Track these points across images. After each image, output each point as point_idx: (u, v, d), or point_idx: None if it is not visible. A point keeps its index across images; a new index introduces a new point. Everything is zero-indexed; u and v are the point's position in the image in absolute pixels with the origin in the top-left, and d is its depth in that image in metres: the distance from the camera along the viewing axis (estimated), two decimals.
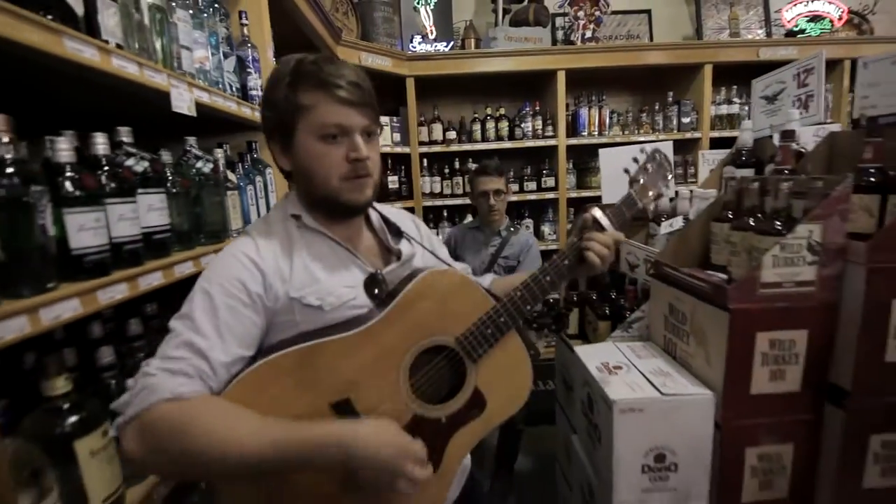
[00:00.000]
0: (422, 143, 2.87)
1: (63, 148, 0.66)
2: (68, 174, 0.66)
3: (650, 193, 0.92)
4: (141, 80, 0.79)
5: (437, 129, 2.89)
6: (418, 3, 3.00)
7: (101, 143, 0.74)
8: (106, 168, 0.73)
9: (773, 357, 0.93)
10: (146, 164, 0.83)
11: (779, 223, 0.92)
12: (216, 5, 1.15)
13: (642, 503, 0.99)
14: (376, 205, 0.86)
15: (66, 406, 0.66)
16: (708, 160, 1.52)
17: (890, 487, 0.97)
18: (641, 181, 0.91)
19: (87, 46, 0.68)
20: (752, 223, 0.99)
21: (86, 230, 0.67)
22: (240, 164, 1.27)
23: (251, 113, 1.26)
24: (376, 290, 0.76)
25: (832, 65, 3.04)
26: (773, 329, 0.92)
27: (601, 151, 1.57)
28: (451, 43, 3.02)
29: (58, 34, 0.63)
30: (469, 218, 2.89)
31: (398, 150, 2.80)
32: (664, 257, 1.20)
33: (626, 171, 0.94)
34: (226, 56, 1.18)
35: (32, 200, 0.59)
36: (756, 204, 1.02)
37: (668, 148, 1.61)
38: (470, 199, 2.36)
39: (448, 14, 3.07)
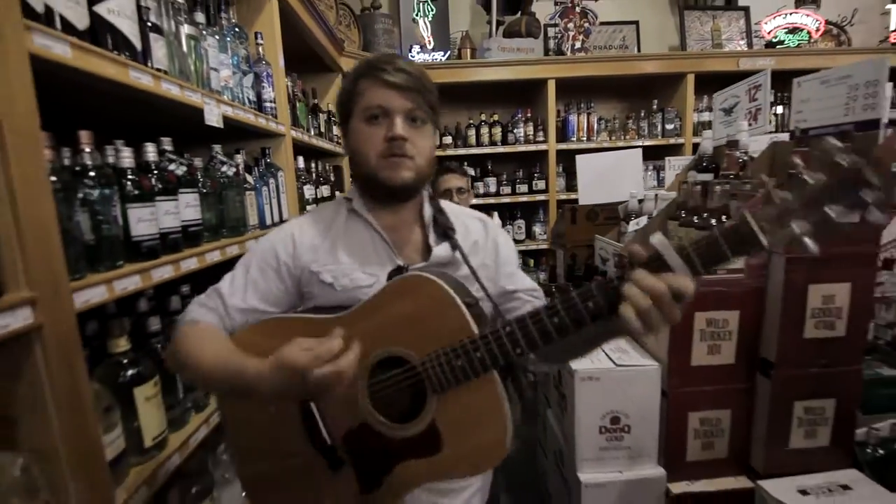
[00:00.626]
0: None
1: (126, 156, 0.83)
2: (129, 177, 0.83)
3: (793, 225, 0.50)
4: (181, 99, 0.97)
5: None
6: (417, 15, 3.18)
7: (151, 151, 0.91)
8: (155, 172, 0.90)
9: (709, 333, 1.10)
10: (184, 168, 1.00)
11: (714, 220, 1.10)
12: (237, 29, 1.33)
13: (600, 460, 1.16)
14: (443, 203, 0.85)
15: (126, 361, 0.83)
16: (674, 165, 1.69)
17: (812, 448, 1.14)
18: (781, 202, 0.51)
19: (144, 74, 0.85)
20: (694, 220, 1.16)
21: (143, 221, 0.84)
22: (255, 168, 1.45)
23: (266, 123, 1.44)
24: None
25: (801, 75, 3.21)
26: (709, 310, 1.09)
27: (578, 157, 1.75)
28: (448, 52, 3.20)
29: (126, 66, 0.80)
30: None
31: None
32: (628, 250, 1.37)
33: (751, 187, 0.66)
34: (245, 73, 1.35)
35: (109, 198, 0.76)
36: (699, 204, 1.19)
37: (637, 155, 1.79)
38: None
39: (445, 25, 3.25)
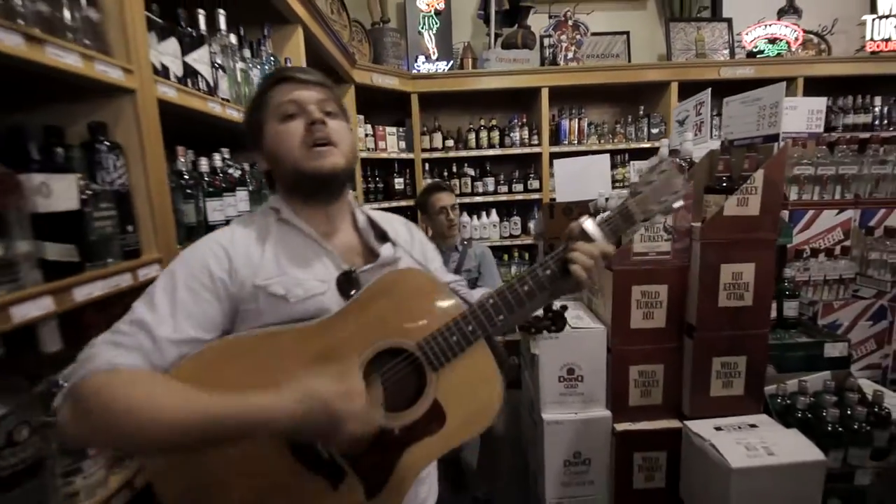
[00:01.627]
0: (424, 150, 3.37)
1: (204, 163, 1.16)
2: (206, 178, 1.16)
3: (652, 207, 0.80)
4: (237, 120, 1.30)
5: (438, 138, 3.39)
6: (422, 28, 3.49)
7: (218, 158, 1.24)
8: (221, 174, 1.23)
9: (644, 303, 1.40)
10: (239, 171, 1.33)
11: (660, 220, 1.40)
12: (272, 58, 1.66)
13: (560, 403, 1.47)
14: (367, 209, 0.88)
15: None
16: (637, 168, 1.99)
17: (729, 396, 1.44)
18: (643, 192, 0.80)
19: (216, 104, 1.18)
20: (640, 217, 1.46)
21: (215, 211, 1.17)
22: None
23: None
24: (350, 288, 0.73)
25: (787, 82, 3.47)
26: (643, 283, 1.39)
27: (556, 162, 2.05)
28: (451, 62, 3.51)
29: (205, 99, 1.13)
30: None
31: (403, 156, 3.30)
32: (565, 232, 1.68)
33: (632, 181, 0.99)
34: None
35: (198, 194, 1.09)
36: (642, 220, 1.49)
37: (605, 160, 2.09)
38: (422, 219, 2.27)
39: (448, 37, 3.56)
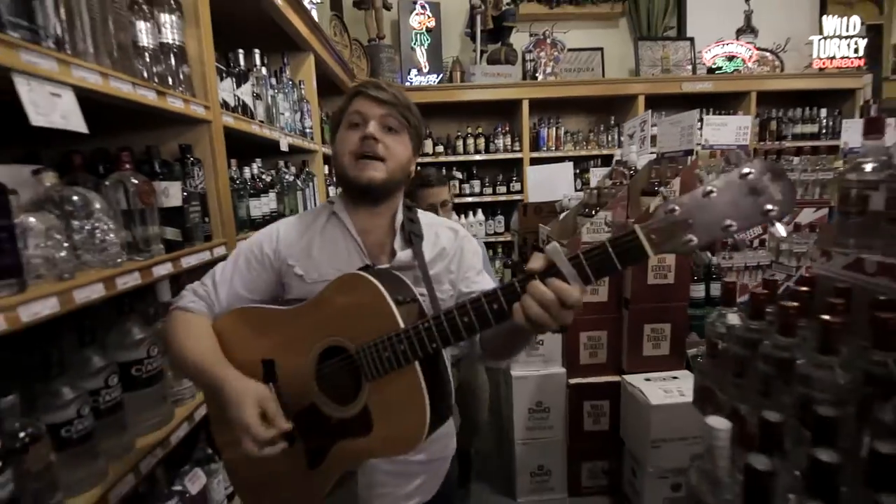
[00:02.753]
0: None
1: (246, 171, 1.52)
2: (248, 183, 1.52)
3: (685, 238, 0.53)
4: (269, 136, 1.66)
5: (429, 145, 3.76)
6: (414, 44, 3.87)
7: (256, 166, 1.60)
8: (258, 179, 1.59)
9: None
10: (270, 176, 1.69)
11: (594, 212, 1.79)
12: (290, 82, 2.02)
13: (525, 363, 1.85)
14: (421, 213, 0.93)
15: None
16: (596, 174, 2.37)
17: (657, 355, 1.83)
18: (662, 219, 0.54)
19: (255, 125, 1.54)
20: (585, 212, 1.85)
21: (255, 208, 1.53)
22: (302, 175, 2.14)
23: (308, 144, 2.13)
24: None
25: (742, 95, 3.90)
26: None
27: (528, 168, 2.43)
28: (441, 75, 3.89)
29: (249, 123, 1.49)
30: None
31: None
32: (553, 234, 2.06)
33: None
34: (295, 112, 2.04)
35: (245, 195, 1.45)
36: (595, 203, 1.88)
37: (568, 167, 2.48)
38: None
39: (438, 52, 3.94)
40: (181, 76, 1.15)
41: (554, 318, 0.58)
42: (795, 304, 0.74)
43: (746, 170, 0.49)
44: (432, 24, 3.87)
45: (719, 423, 0.64)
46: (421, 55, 3.88)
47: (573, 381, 1.84)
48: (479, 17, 3.76)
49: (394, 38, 3.92)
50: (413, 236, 0.87)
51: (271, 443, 0.71)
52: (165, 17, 1.10)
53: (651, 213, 0.55)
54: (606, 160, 3.76)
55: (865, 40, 4.04)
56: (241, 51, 1.60)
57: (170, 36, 1.11)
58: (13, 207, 0.70)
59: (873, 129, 0.86)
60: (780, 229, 0.51)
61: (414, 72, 3.85)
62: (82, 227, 0.85)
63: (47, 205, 0.83)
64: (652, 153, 2.06)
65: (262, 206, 1.59)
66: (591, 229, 1.75)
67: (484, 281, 0.90)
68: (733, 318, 0.89)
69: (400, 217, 0.90)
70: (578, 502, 1.91)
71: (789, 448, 0.61)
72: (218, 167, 1.28)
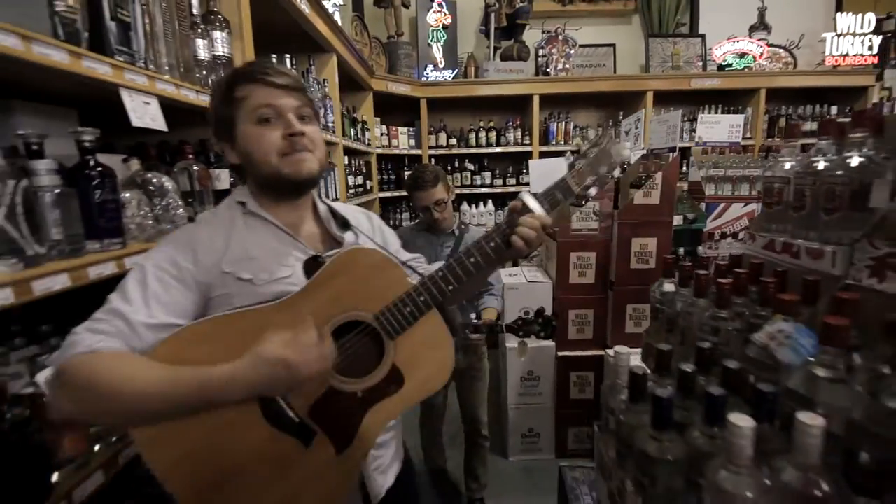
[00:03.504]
0: (431, 147, 3.96)
1: None
2: None
3: (588, 179, 0.85)
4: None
5: (443, 137, 3.98)
6: (431, 40, 4.07)
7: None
8: None
9: (579, 265, 2.00)
10: None
11: (584, 201, 1.99)
12: (317, 82, 2.27)
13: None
14: (327, 200, 0.94)
15: None
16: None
17: (638, 332, 2.03)
18: (579, 166, 0.86)
19: None
20: (577, 202, 2.05)
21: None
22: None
23: (331, 136, 2.38)
24: (316, 272, 0.78)
25: (752, 92, 3.99)
26: (578, 251, 1.99)
27: (530, 162, 2.63)
28: (456, 71, 4.08)
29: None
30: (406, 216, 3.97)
31: (413, 152, 3.90)
32: (553, 227, 2.28)
33: (571, 153, 1.15)
34: (320, 108, 2.29)
35: None
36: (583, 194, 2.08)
37: (563, 161, 2.66)
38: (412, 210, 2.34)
39: (454, 48, 4.13)
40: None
41: (539, 239, 0.81)
42: (706, 272, 0.95)
43: (606, 140, 0.86)
44: (448, 21, 4.06)
45: (632, 359, 0.86)
46: (437, 51, 4.08)
47: (561, 353, 2.06)
48: (493, 15, 3.94)
49: (412, 35, 4.13)
50: (345, 220, 0.91)
51: (326, 354, 0.71)
52: (217, 34, 1.35)
53: (576, 169, 0.86)
54: None
55: (880, 37, 4.07)
56: (273, 56, 1.84)
57: (221, 49, 1.36)
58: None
59: (826, 130, 1.01)
60: (616, 173, 0.89)
61: (430, 67, 4.06)
62: (159, 202, 1.11)
63: (132, 185, 1.09)
64: (642, 149, 2.24)
65: None
66: (580, 217, 1.95)
67: (406, 253, 1.01)
68: (668, 286, 1.10)
69: (321, 205, 0.91)
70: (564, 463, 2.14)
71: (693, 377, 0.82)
72: (338, 176, 1.53)
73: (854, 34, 4.03)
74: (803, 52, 4.30)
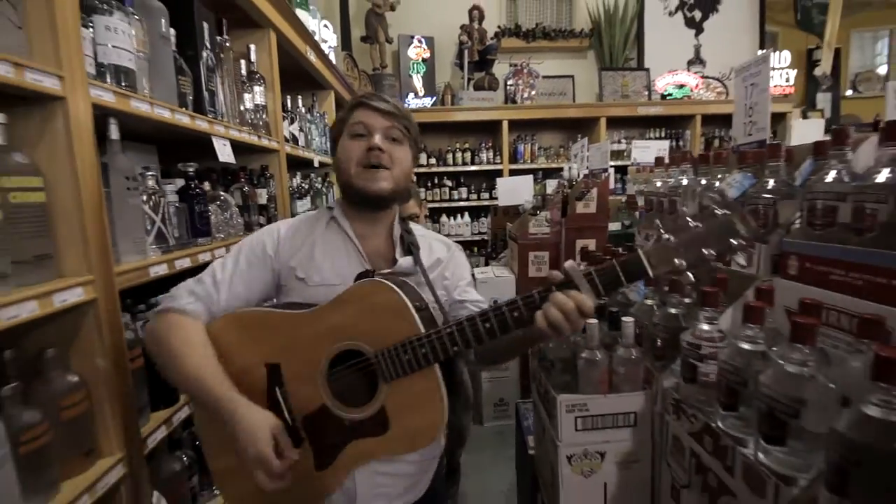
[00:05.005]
0: None
1: (294, 180, 2.25)
2: (295, 189, 2.24)
3: (675, 262, 0.68)
4: (307, 156, 2.38)
5: (423, 157, 4.50)
6: (412, 72, 4.62)
7: (297, 178, 2.32)
8: (299, 187, 2.31)
9: (536, 261, 2.51)
10: (307, 185, 2.42)
11: (538, 212, 2.52)
12: (319, 115, 2.75)
13: None
14: (413, 224, 0.99)
15: None
16: (550, 185, 3.10)
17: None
18: (667, 243, 0.68)
19: (299, 150, 2.27)
20: (532, 212, 2.58)
21: (300, 207, 2.25)
22: (325, 183, 2.86)
23: (331, 160, 2.86)
24: None
25: (690, 118, 4.66)
26: (535, 251, 2.50)
27: (498, 180, 3.16)
28: (435, 98, 4.63)
29: (296, 148, 2.22)
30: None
31: None
32: (514, 230, 2.79)
33: (652, 231, 0.79)
34: (322, 135, 2.77)
35: (294, 197, 2.18)
36: (540, 206, 2.61)
37: (529, 178, 3.21)
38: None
39: (432, 78, 4.68)
40: (262, 122, 1.87)
41: (571, 323, 0.68)
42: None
43: (721, 212, 0.66)
44: (427, 55, 4.62)
45: None
46: (417, 81, 4.62)
47: None
48: (466, 51, 4.52)
49: (394, 67, 4.67)
50: (411, 246, 0.93)
51: (284, 475, 0.73)
52: (257, 88, 1.82)
53: (652, 243, 0.74)
54: None
55: (795, 71, 4.82)
56: (288, 97, 2.32)
57: (258, 99, 1.84)
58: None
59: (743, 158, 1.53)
60: (741, 259, 0.76)
61: (411, 95, 4.60)
62: (226, 213, 1.56)
63: (211, 200, 1.54)
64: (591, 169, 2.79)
65: (303, 205, 2.31)
66: (535, 224, 2.47)
67: (473, 292, 0.98)
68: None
69: (398, 227, 0.96)
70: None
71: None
72: (283, 180, 2.00)
73: (773, 68, 4.77)
74: (736, 81, 5.01)
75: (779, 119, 4.82)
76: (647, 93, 4.81)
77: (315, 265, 0.88)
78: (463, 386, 1.15)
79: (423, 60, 4.62)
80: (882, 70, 6.58)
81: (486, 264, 3.07)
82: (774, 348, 0.76)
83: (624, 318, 1.06)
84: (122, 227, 1.01)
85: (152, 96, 1.13)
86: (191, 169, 1.35)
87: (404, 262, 0.91)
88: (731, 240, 0.66)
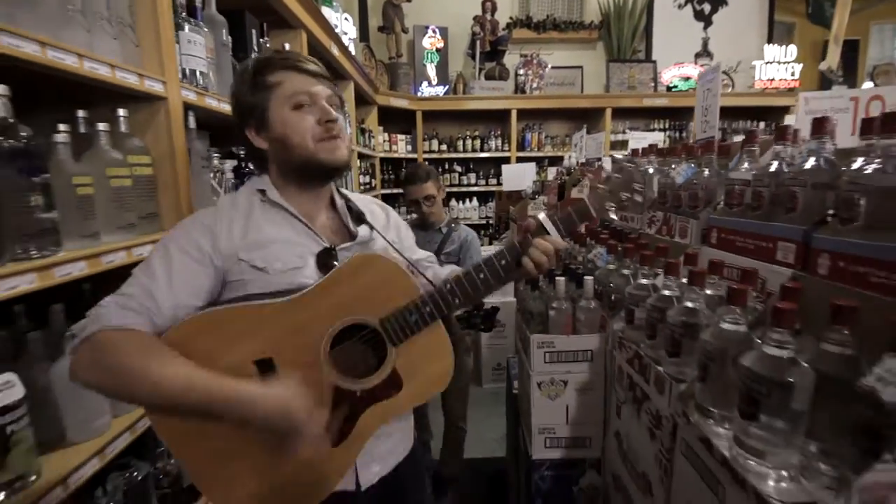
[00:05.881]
0: (425, 152, 4.75)
1: None
2: None
3: (609, 204, 0.88)
4: None
5: (435, 143, 4.77)
6: (426, 61, 4.86)
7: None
8: None
9: None
10: None
11: (537, 196, 2.79)
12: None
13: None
14: (343, 190, 0.97)
15: None
16: (552, 172, 3.36)
17: None
18: (600, 190, 0.88)
19: None
20: (532, 196, 2.85)
21: None
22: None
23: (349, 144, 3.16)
24: (329, 263, 0.83)
25: (692, 110, 4.83)
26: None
27: (504, 167, 3.43)
28: (447, 87, 4.88)
29: None
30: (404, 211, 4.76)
31: (410, 155, 4.68)
32: (515, 213, 3.07)
33: (589, 176, 0.98)
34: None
35: None
36: (539, 190, 2.89)
37: (532, 166, 3.48)
38: (406, 204, 2.49)
39: (445, 67, 4.93)
40: None
41: (551, 261, 0.85)
42: (606, 236, 1.75)
43: (628, 166, 0.95)
44: (441, 45, 4.86)
45: None
46: (431, 70, 4.87)
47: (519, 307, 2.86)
48: (478, 42, 4.74)
49: (409, 57, 4.92)
50: (360, 214, 0.94)
51: (327, 430, 0.75)
52: None
53: (596, 191, 0.90)
54: None
55: (801, 65, 4.95)
56: None
57: None
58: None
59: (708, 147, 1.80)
60: (638, 198, 0.90)
61: (425, 84, 4.85)
62: None
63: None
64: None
65: None
66: (533, 207, 2.75)
67: (419, 250, 1.04)
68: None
69: (339, 198, 0.95)
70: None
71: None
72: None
73: (779, 62, 4.91)
74: (741, 75, 5.17)
75: (783, 112, 4.98)
76: (653, 84, 4.99)
77: (271, 252, 0.82)
78: (454, 326, 1.36)
79: (437, 50, 4.86)
80: None
81: (490, 243, 3.37)
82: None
83: (586, 277, 1.35)
84: (199, 195, 1.32)
85: (217, 93, 1.43)
86: (242, 152, 1.65)
87: (362, 230, 0.92)
88: (634, 184, 0.89)
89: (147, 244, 1.07)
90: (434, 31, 4.83)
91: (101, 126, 0.98)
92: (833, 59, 4.94)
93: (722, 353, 0.81)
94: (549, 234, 0.87)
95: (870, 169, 0.73)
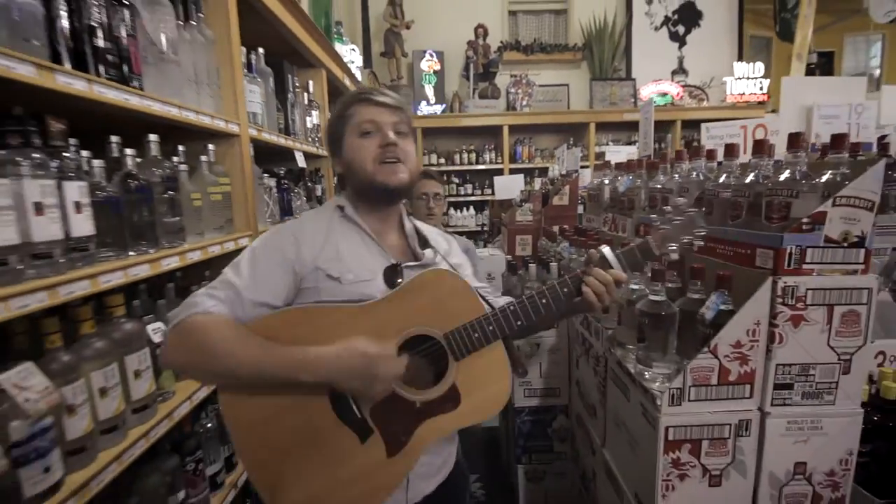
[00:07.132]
0: (425, 165, 5.20)
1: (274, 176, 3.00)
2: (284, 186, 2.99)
3: (671, 245, 0.91)
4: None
5: (434, 157, 5.23)
6: (424, 82, 5.35)
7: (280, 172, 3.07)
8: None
9: (521, 243, 3.24)
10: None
11: (523, 204, 3.24)
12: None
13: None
14: (415, 220, 1.06)
15: None
16: (537, 181, 3.81)
17: None
18: (665, 231, 0.92)
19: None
20: (519, 204, 3.30)
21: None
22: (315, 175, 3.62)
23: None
24: (395, 279, 0.89)
25: (671, 123, 5.31)
26: (521, 234, 3.23)
27: (495, 178, 3.87)
28: (445, 106, 5.35)
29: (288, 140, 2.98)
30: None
31: None
32: (506, 219, 3.51)
33: (654, 221, 1.00)
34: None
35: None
36: (525, 199, 3.33)
37: (520, 177, 3.93)
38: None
39: (442, 88, 5.41)
40: (317, 137, 2.62)
41: (610, 293, 0.89)
42: (575, 237, 2.19)
43: (689, 212, 0.96)
44: (438, 67, 5.35)
45: None
46: (429, 91, 5.35)
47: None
48: (472, 64, 5.23)
49: (409, 78, 5.41)
50: (426, 239, 1.02)
51: (400, 366, 0.83)
52: (315, 112, 2.57)
53: (660, 233, 0.94)
54: None
55: (769, 80, 5.44)
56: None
57: (315, 120, 2.58)
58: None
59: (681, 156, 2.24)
60: (699, 242, 0.96)
61: (424, 103, 5.33)
62: (297, 200, 2.31)
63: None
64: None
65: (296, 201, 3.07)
66: (520, 213, 3.19)
67: (478, 281, 1.11)
68: (563, 245, 2.34)
69: (408, 222, 1.04)
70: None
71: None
72: (331, 179, 2.75)
73: (748, 78, 5.39)
74: (715, 90, 5.65)
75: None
76: (633, 100, 5.48)
77: (345, 263, 0.90)
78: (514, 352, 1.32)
79: (435, 72, 5.35)
80: (876, 73, 7.07)
81: (485, 246, 3.81)
82: None
83: (551, 264, 1.78)
84: (258, 207, 1.76)
85: (267, 128, 1.88)
86: (281, 171, 2.10)
87: (428, 253, 0.99)
88: (696, 230, 0.94)
89: (229, 241, 1.50)
90: (431, 55, 5.32)
91: (203, 158, 1.42)
92: (797, 74, 5.42)
93: (630, 304, 1.24)
94: (611, 266, 0.91)
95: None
